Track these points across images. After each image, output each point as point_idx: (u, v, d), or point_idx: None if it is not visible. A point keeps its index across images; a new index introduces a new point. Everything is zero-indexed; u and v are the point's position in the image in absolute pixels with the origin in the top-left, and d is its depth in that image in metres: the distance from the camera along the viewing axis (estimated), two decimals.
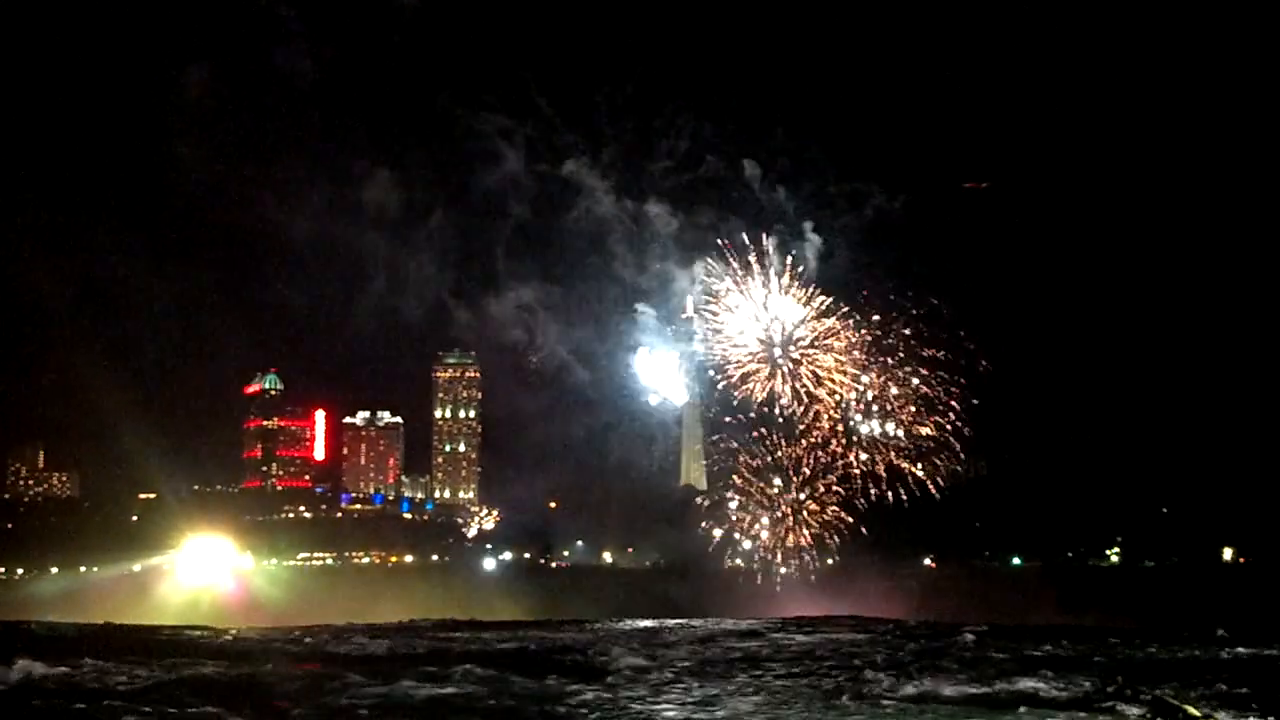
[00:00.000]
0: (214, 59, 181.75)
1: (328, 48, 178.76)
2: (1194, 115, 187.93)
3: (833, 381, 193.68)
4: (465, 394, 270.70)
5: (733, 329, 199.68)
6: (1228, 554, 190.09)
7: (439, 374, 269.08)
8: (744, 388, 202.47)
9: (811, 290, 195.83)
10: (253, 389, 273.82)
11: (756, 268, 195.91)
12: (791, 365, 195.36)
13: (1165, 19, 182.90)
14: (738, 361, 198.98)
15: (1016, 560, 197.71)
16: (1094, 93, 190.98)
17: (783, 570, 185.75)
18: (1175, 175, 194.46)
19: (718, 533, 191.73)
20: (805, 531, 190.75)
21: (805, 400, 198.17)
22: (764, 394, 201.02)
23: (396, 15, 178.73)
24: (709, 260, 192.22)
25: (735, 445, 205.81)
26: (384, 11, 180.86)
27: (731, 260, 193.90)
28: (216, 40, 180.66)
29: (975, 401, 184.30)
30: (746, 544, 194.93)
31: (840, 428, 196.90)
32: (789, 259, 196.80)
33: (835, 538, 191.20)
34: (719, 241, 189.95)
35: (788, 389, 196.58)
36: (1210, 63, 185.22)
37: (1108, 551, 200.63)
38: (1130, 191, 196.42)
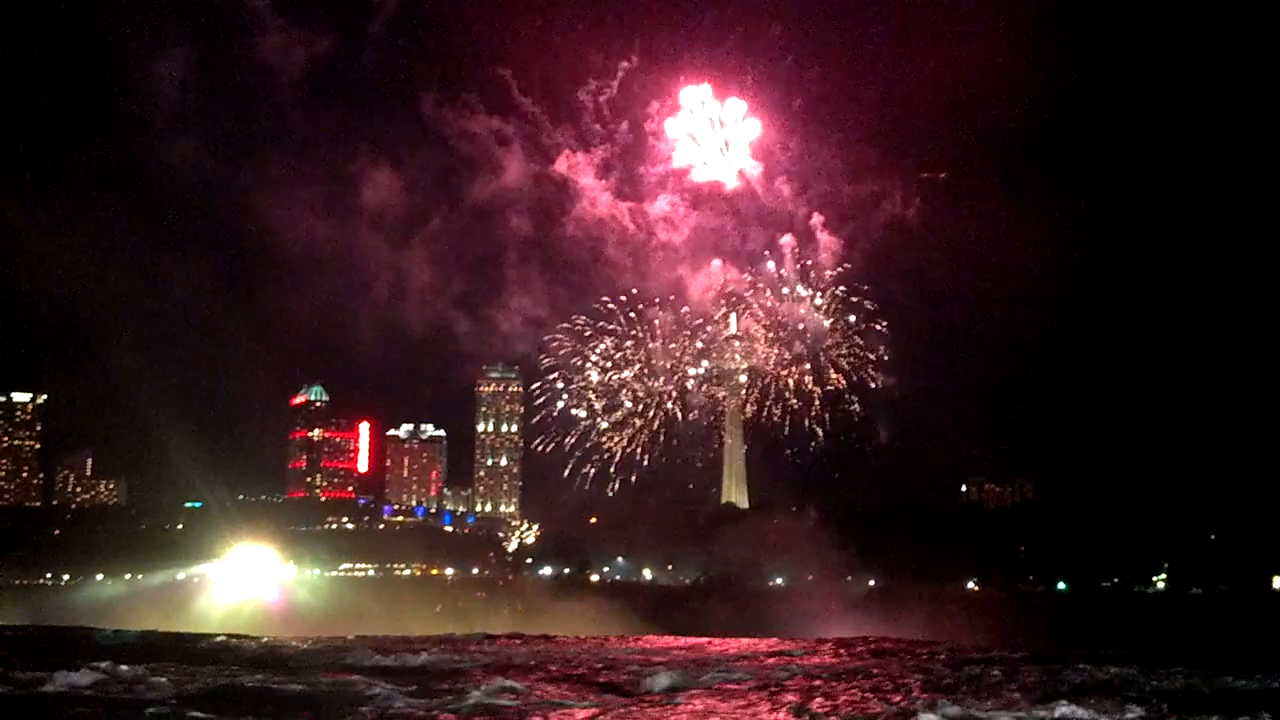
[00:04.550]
0: (275, 89, 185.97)
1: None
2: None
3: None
4: (508, 408, 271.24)
5: (751, 345, 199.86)
6: (1277, 582, 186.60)
7: (482, 388, 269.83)
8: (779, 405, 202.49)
9: (832, 300, 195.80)
10: (298, 400, 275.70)
11: (775, 274, 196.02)
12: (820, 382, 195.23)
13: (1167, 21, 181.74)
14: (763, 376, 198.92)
15: (1061, 585, 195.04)
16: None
17: (825, 591, 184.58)
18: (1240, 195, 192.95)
19: (760, 551, 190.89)
20: (847, 552, 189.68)
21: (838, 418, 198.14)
22: (800, 415, 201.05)
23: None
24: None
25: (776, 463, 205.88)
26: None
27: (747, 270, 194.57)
28: (273, 71, 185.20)
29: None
30: (788, 563, 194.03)
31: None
32: (806, 262, 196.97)
33: (878, 559, 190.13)
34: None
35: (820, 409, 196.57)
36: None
37: (1154, 578, 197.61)
38: (1190, 218, 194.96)
